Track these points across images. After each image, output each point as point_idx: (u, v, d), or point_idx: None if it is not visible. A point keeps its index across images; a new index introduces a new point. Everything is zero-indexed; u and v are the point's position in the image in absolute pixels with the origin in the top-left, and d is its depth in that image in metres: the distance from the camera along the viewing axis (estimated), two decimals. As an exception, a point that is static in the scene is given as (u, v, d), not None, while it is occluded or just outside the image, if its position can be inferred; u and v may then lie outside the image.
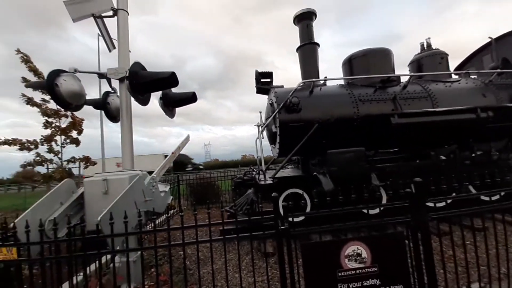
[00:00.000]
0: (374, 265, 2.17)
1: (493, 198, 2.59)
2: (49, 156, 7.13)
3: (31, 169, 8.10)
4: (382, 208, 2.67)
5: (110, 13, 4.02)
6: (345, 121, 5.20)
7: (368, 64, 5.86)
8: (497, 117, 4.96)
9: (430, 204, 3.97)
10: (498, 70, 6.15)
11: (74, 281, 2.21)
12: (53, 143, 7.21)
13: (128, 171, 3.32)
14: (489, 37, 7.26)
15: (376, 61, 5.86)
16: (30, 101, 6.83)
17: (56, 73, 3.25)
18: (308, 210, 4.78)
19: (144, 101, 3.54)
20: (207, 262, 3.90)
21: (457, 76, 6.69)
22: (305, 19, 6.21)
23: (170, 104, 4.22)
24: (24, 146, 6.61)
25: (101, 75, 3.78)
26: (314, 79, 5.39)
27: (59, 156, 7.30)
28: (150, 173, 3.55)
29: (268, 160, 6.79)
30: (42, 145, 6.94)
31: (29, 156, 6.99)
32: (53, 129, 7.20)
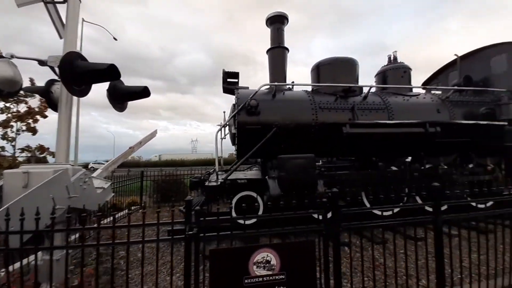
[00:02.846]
0: (282, 272, 2.18)
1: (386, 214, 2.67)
2: (2, 143, 6.71)
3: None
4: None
5: (61, -2, 3.80)
6: (303, 127, 5.24)
7: (333, 72, 5.94)
8: (446, 133, 5.16)
9: (378, 212, 4.05)
10: (456, 87, 6.45)
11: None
12: (8, 130, 6.80)
13: (58, 165, 3.15)
14: (455, 55, 7.58)
15: (341, 70, 5.95)
16: None
17: (-15, 57, 3.04)
18: (260, 213, 4.77)
19: (80, 93, 3.37)
20: (145, 263, 3.79)
21: (421, 90, 6.95)
22: (276, 22, 6.23)
23: (118, 97, 4.07)
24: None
25: (42, 62, 3.56)
26: (276, 83, 5.39)
27: (13, 143, 6.89)
28: None
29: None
30: (-5, 130, 6.51)
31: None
32: (9, 115, 6.78)
